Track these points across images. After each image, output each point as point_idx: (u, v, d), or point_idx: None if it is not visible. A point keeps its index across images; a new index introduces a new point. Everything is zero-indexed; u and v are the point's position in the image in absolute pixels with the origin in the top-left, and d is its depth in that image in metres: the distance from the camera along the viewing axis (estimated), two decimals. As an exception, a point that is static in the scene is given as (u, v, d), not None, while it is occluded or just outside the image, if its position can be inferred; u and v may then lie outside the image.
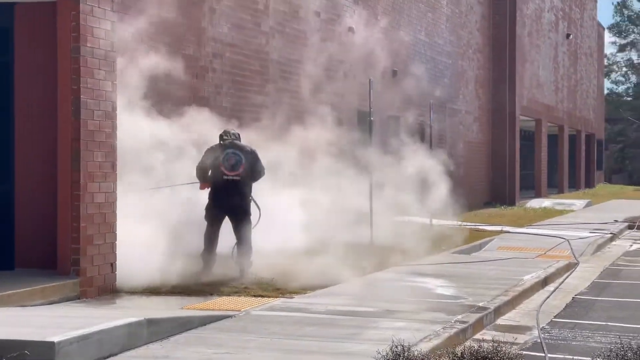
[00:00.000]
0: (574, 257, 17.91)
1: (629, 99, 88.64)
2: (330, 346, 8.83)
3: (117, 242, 11.78)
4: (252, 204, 13.52)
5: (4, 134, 11.57)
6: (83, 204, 11.17)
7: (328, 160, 16.94)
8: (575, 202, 36.93)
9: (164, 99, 14.76)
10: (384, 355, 7.26)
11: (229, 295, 11.80)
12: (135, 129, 12.70)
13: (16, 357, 7.30)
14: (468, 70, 34.48)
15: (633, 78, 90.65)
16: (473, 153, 34.79)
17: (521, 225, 25.21)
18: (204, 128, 14.51)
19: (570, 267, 16.51)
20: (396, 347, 7.30)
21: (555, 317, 11.80)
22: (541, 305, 12.38)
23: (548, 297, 13.20)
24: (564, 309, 12.46)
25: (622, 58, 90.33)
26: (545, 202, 36.83)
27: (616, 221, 27.54)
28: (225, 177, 13.24)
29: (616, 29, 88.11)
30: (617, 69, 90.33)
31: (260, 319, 10.22)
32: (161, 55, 14.46)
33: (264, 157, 13.84)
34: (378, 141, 20.23)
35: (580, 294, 13.87)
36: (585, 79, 54.69)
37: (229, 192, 13.26)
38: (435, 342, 9.06)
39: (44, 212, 11.46)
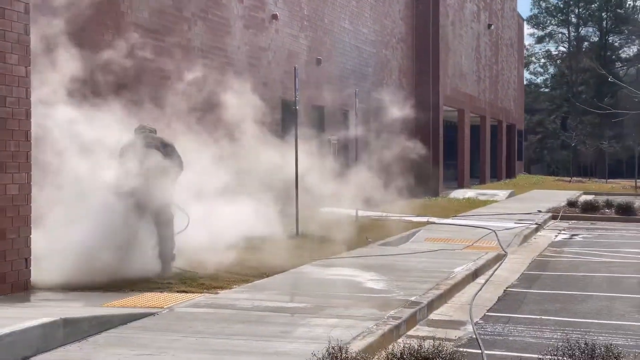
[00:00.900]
0: (502, 248, 17.70)
1: (546, 89, 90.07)
2: (260, 345, 8.40)
3: (31, 237, 11.13)
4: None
5: None
6: (-6, 196, 10.52)
7: (253, 151, 16.47)
8: (498, 193, 37.11)
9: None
10: (319, 358, 6.84)
11: (152, 291, 11.25)
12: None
13: None
14: (392, 59, 34.23)
15: (551, 69, 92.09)
16: (397, 143, 34.53)
17: (447, 216, 25.07)
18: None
19: (499, 259, 16.29)
20: (332, 347, 6.88)
21: (488, 310, 11.51)
22: (473, 299, 12.09)
23: (480, 290, 12.93)
24: (496, 302, 12.19)
25: (540, 49, 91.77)
26: (469, 193, 36.89)
27: (540, 211, 27.64)
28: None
29: (535, 21, 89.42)
30: (535, 60, 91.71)
31: (184, 317, 9.74)
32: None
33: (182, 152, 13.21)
34: (303, 130, 19.79)
35: (512, 286, 13.64)
36: (507, 70, 55.08)
37: None
38: (369, 339, 8.68)
39: (-47, 204, 10.77)
